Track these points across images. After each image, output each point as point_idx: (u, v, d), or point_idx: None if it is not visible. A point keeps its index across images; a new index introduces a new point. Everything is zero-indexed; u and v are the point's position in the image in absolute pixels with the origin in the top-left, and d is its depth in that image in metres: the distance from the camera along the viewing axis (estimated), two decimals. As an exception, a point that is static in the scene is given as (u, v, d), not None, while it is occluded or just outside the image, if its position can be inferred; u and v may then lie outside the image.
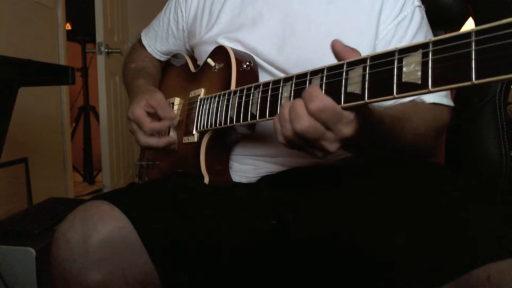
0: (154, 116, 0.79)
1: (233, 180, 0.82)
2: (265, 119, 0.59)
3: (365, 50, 0.54)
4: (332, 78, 0.50)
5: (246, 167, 0.81)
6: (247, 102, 0.63)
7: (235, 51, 0.77)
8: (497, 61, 0.35)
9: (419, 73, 0.41)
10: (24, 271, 1.16)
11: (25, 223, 1.30)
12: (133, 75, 0.96)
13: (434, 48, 0.40)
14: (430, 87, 0.40)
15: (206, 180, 0.75)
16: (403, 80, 0.42)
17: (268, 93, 0.59)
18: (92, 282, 0.56)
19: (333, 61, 0.51)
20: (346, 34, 0.75)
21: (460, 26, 1.05)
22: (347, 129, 0.49)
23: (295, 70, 0.75)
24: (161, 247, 0.60)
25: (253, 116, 0.61)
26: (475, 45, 0.36)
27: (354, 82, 0.47)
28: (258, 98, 0.61)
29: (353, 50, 0.50)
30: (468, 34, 0.37)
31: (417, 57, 0.41)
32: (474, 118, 0.93)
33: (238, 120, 0.65)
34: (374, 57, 0.46)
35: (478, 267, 0.45)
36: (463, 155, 0.96)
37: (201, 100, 0.79)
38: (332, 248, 0.62)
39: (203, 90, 0.81)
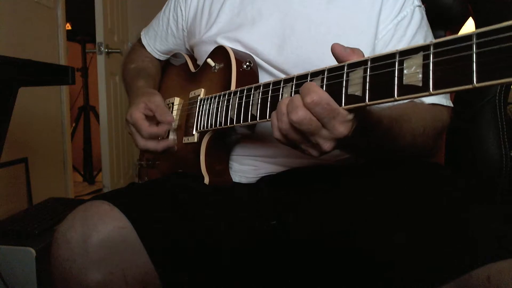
0: (153, 119, 0.79)
1: (233, 180, 0.82)
2: (265, 120, 0.59)
3: (365, 49, 0.54)
4: (332, 79, 0.50)
5: (245, 167, 0.81)
6: (247, 103, 0.63)
7: (235, 51, 0.77)
8: (499, 64, 0.34)
9: (420, 76, 0.41)
10: (24, 271, 1.16)
11: (25, 223, 1.29)
12: (133, 75, 0.96)
13: (435, 50, 0.40)
14: (431, 89, 0.40)
15: (206, 180, 0.75)
16: (404, 82, 0.42)
17: (268, 94, 0.59)
18: (92, 282, 0.56)
19: (333, 60, 0.51)
20: (345, 34, 0.75)
21: (460, 26, 1.05)
22: (342, 128, 0.49)
23: (294, 70, 0.76)
24: (161, 247, 0.60)
25: (254, 117, 0.61)
26: (477, 48, 0.36)
27: (354, 83, 0.47)
28: (258, 99, 0.61)
29: (355, 51, 0.49)
30: (469, 37, 0.37)
31: (418, 59, 0.41)
32: (474, 118, 0.93)
33: (238, 121, 0.65)
34: (375, 59, 0.46)
35: (478, 267, 0.45)
36: (463, 155, 0.96)
37: (201, 100, 0.79)
38: (332, 248, 0.62)
39: (203, 90, 0.81)
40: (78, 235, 0.57)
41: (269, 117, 0.58)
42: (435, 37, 0.84)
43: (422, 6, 0.80)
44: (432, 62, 0.40)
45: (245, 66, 0.75)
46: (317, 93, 0.48)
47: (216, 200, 0.73)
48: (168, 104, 0.92)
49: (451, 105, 0.78)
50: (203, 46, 0.87)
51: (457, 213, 0.52)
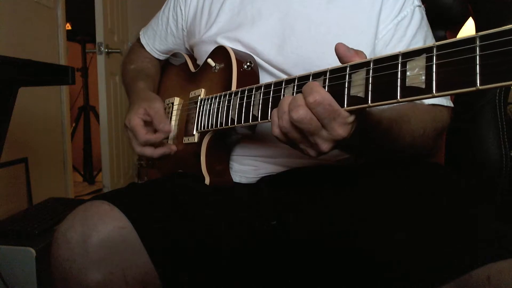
0: (151, 124, 0.79)
1: (233, 180, 0.82)
2: (266, 120, 0.59)
3: (365, 49, 0.54)
4: (334, 80, 0.50)
5: (246, 167, 0.81)
6: (248, 104, 0.63)
7: (235, 51, 0.77)
8: (503, 66, 0.34)
9: (423, 77, 0.41)
10: (24, 271, 1.16)
11: (25, 223, 1.29)
12: (133, 76, 0.96)
13: (438, 52, 0.40)
14: (434, 91, 0.39)
15: (207, 180, 0.75)
16: (407, 84, 0.42)
17: (269, 94, 0.59)
18: (92, 282, 0.56)
19: (333, 60, 0.51)
20: (346, 33, 0.75)
21: (460, 26, 1.05)
22: (342, 130, 0.49)
23: (294, 69, 0.76)
24: (161, 247, 0.60)
25: (255, 118, 0.61)
26: (480, 50, 0.36)
27: (357, 85, 0.47)
28: (259, 99, 0.61)
29: (358, 53, 0.49)
30: (473, 39, 0.37)
31: (421, 61, 0.41)
32: (474, 118, 0.93)
33: (239, 121, 0.65)
34: (377, 61, 0.45)
35: (478, 267, 0.45)
36: (463, 155, 0.96)
37: (201, 100, 0.79)
38: (332, 248, 0.62)
39: (203, 90, 0.81)
40: (78, 235, 0.57)
41: (270, 117, 0.58)
42: (435, 37, 0.84)
43: (422, 6, 0.80)
44: (435, 64, 0.40)
45: (245, 67, 0.75)
46: (319, 93, 0.48)
47: (216, 200, 0.73)
48: (168, 104, 0.92)
49: (452, 105, 0.78)
50: (203, 46, 0.87)
51: (457, 213, 0.52)
